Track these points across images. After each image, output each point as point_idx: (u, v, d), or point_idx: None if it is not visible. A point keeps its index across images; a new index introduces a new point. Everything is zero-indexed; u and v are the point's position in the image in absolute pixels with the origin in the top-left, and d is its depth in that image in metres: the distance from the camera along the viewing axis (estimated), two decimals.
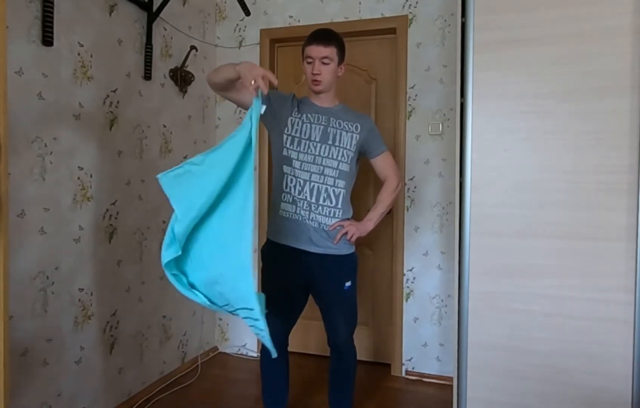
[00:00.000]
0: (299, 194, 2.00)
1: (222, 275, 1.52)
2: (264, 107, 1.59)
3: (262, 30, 3.27)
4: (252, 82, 1.61)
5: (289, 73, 3.31)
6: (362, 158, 2.16)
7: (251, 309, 1.48)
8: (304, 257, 2.02)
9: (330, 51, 1.98)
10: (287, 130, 2.02)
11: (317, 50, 1.97)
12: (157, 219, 2.81)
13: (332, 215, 2.02)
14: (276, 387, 2.16)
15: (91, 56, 2.28)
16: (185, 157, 3.03)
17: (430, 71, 2.95)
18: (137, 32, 2.59)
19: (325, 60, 1.98)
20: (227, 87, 1.89)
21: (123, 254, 2.54)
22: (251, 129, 1.52)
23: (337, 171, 2.02)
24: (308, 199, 2.00)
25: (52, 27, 2.03)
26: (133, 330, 2.63)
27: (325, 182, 2.01)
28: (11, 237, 1.88)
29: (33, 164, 2.01)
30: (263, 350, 2.13)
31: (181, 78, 2.92)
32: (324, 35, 2.00)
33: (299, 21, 3.18)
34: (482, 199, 1.78)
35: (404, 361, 3.06)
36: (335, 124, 2.04)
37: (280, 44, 3.31)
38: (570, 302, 1.70)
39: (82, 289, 2.28)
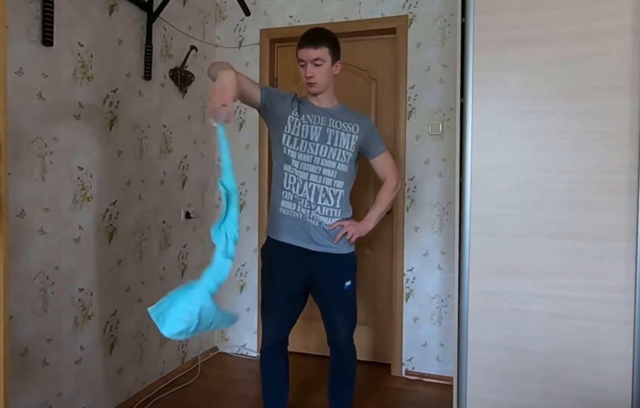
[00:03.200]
0: (300, 192, 2.00)
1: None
2: (220, 128, 1.64)
3: (262, 30, 3.27)
4: (210, 107, 1.62)
5: (289, 73, 3.31)
6: (362, 158, 2.16)
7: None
8: (304, 255, 2.02)
9: (321, 52, 1.96)
10: (287, 130, 2.02)
11: (308, 53, 1.95)
12: (157, 219, 2.81)
13: (331, 215, 2.02)
14: (276, 387, 2.16)
15: (91, 56, 2.28)
16: (185, 157, 3.04)
17: (430, 71, 2.95)
18: (137, 32, 2.59)
19: (317, 62, 1.96)
20: None
21: (123, 254, 2.54)
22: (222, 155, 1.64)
23: (336, 172, 2.02)
24: (308, 198, 2.00)
25: (52, 27, 2.03)
26: (133, 330, 2.63)
27: (323, 183, 2.01)
28: (11, 237, 1.88)
29: (33, 164, 2.01)
30: (263, 350, 2.14)
31: (181, 78, 2.92)
32: (314, 36, 1.97)
33: (299, 21, 3.18)
34: (482, 199, 1.78)
35: (404, 361, 3.06)
36: (334, 124, 2.04)
37: (280, 44, 3.31)
38: (570, 302, 1.70)
39: (82, 289, 2.28)
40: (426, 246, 3.00)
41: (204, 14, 3.22)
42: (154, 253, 2.79)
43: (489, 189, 1.77)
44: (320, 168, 2.01)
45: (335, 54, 2.02)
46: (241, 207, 3.36)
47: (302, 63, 1.99)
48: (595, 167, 1.66)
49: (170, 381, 2.91)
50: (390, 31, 3.04)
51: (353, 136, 2.05)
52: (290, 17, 3.21)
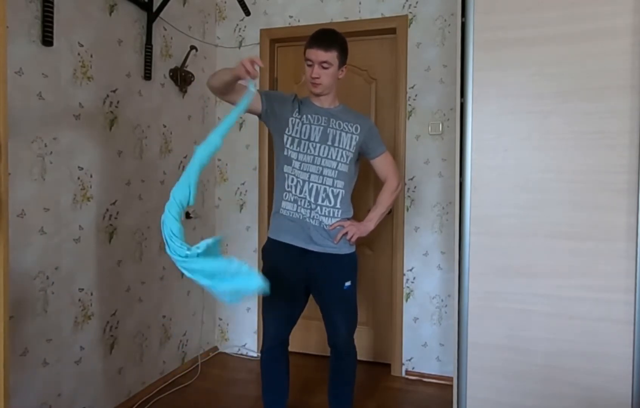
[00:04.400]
0: (300, 193, 2.01)
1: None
2: (253, 90, 1.72)
3: (262, 30, 3.27)
4: (241, 68, 1.71)
5: (289, 73, 3.31)
6: (363, 159, 2.16)
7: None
8: (304, 255, 2.02)
9: (330, 56, 1.95)
10: (288, 131, 2.03)
11: (317, 55, 1.95)
12: (157, 219, 2.79)
13: (331, 215, 2.02)
14: (276, 387, 2.16)
15: (91, 56, 2.28)
16: (185, 157, 3.03)
17: (430, 71, 2.95)
18: (137, 32, 2.59)
19: (325, 65, 1.95)
20: (226, 91, 1.90)
21: (123, 254, 2.54)
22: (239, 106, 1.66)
23: (336, 172, 2.02)
24: (308, 198, 2.00)
25: (52, 27, 2.03)
26: (133, 330, 2.63)
27: (324, 183, 2.01)
28: (11, 237, 1.88)
29: (33, 163, 2.01)
30: (263, 350, 2.14)
31: (181, 78, 2.92)
32: (325, 39, 1.96)
33: (299, 21, 3.18)
34: (482, 199, 1.78)
35: (404, 361, 3.06)
36: (335, 124, 2.04)
37: (280, 44, 3.31)
38: (570, 302, 1.70)
39: (82, 289, 2.28)
40: (426, 246, 3.00)
41: (204, 14, 3.22)
42: (154, 253, 2.79)
43: (489, 189, 1.77)
44: (320, 168, 2.01)
45: (343, 59, 2.02)
46: (241, 207, 3.36)
47: (309, 63, 1.98)
48: (595, 167, 1.66)
49: (170, 381, 2.91)
50: (390, 31, 3.04)
51: (354, 136, 2.05)
52: (290, 17, 3.21)
